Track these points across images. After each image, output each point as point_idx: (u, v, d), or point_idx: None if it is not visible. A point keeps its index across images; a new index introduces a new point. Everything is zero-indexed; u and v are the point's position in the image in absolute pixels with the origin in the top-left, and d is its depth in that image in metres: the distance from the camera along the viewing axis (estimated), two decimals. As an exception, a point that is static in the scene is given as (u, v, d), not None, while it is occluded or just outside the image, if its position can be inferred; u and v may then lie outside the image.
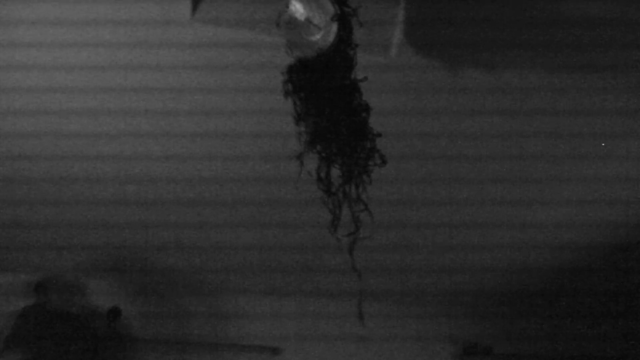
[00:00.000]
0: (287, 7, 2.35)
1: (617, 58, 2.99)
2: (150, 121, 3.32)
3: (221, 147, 3.51)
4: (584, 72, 3.08)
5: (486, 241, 4.40)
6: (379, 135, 2.48)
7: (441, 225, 4.23)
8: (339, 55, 2.40)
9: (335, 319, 4.74)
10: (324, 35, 2.36)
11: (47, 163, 3.65)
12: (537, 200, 4.03)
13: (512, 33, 2.84)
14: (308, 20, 2.35)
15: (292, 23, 2.36)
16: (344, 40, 2.40)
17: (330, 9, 2.37)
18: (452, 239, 4.37)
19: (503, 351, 5.12)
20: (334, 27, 2.37)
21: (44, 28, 2.79)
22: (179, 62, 2.95)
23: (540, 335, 5.25)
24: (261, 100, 3.05)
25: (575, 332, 5.23)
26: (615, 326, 5.26)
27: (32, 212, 4.13)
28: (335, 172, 2.50)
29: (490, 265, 4.73)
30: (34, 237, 4.37)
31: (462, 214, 4.14)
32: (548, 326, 5.28)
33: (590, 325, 5.24)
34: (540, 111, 3.30)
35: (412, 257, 4.54)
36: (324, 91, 2.39)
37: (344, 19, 2.39)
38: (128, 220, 4.18)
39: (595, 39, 2.88)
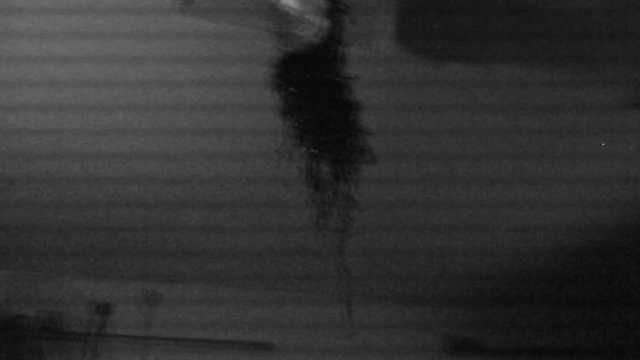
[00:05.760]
0: (279, 0, 2.33)
1: (617, 51, 2.95)
2: (142, 117, 3.31)
3: (214, 144, 3.50)
4: (582, 66, 3.04)
5: (483, 243, 4.38)
6: (369, 133, 2.46)
7: (438, 227, 4.20)
8: (330, 50, 2.38)
9: (333, 322, 4.72)
10: (315, 30, 2.34)
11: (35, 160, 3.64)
12: (535, 200, 3.99)
13: (508, 24, 2.80)
14: (300, 15, 2.33)
15: (284, 17, 2.34)
16: (335, 36, 2.38)
17: (323, 4, 2.35)
18: (451, 240, 4.34)
19: (495, 346, 5.12)
20: (326, 23, 2.35)
21: (36, 18, 2.78)
22: (168, 54, 2.94)
23: (537, 336, 5.25)
24: (255, 94, 3.02)
25: (573, 341, 5.22)
26: (614, 332, 5.24)
27: (30, 212, 4.12)
28: (327, 170, 2.48)
29: (488, 267, 4.71)
30: (32, 237, 4.37)
31: (459, 214, 4.10)
32: (546, 329, 5.28)
33: (588, 330, 5.23)
34: (536, 107, 3.26)
35: (408, 259, 4.53)
36: (314, 86, 2.37)
37: (336, 15, 2.37)
38: (126, 220, 4.17)
39: (594, 31, 2.84)
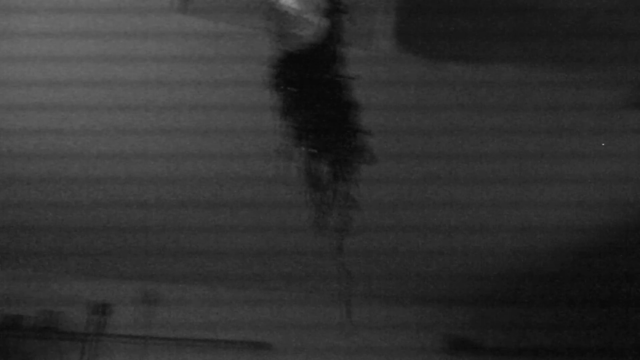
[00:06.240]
0: (279, 0, 2.33)
1: (617, 51, 2.94)
2: (142, 117, 3.31)
3: (214, 144, 3.49)
4: (582, 66, 3.03)
5: (483, 243, 4.37)
6: (369, 133, 2.45)
7: (438, 227, 4.19)
8: (330, 50, 2.38)
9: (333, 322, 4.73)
10: (314, 30, 2.34)
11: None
12: (535, 200, 3.98)
13: (508, 24, 2.79)
14: (299, 15, 2.33)
15: (284, 16, 2.34)
16: (335, 35, 2.38)
17: (322, 4, 2.35)
18: (451, 240, 4.34)
19: (495, 346, 5.12)
20: (325, 23, 2.34)
21: (36, 18, 2.77)
22: (168, 54, 2.94)
23: (537, 336, 5.25)
24: (254, 94, 3.03)
25: (573, 341, 5.22)
26: (614, 332, 5.24)
27: (30, 213, 4.12)
28: (326, 169, 2.48)
29: (488, 267, 4.70)
30: (32, 238, 4.37)
31: (459, 214, 4.09)
32: (546, 329, 5.28)
33: (588, 330, 5.23)
34: (536, 107, 3.25)
35: (408, 259, 4.52)
36: (314, 86, 2.37)
37: (335, 15, 2.37)
38: (126, 220, 4.17)
39: (594, 31, 2.84)
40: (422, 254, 4.46)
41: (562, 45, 2.92)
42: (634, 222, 4.18)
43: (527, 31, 2.82)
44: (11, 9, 2.72)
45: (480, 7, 2.72)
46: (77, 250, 4.47)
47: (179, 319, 4.74)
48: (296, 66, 2.35)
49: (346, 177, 2.44)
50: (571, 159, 3.64)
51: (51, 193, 3.88)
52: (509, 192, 3.88)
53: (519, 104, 3.22)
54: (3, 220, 4.16)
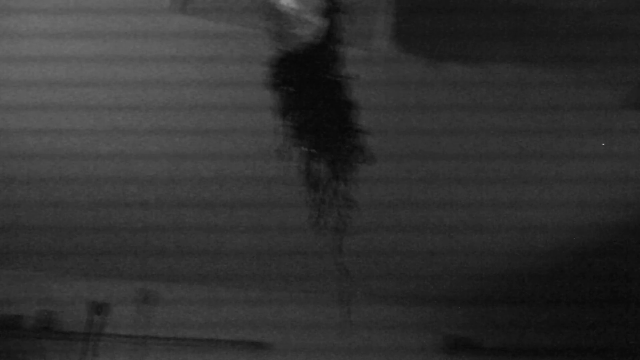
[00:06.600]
0: (279, 0, 2.33)
1: (617, 51, 2.94)
2: (142, 117, 3.31)
3: (214, 144, 3.49)
4: (582, 66, 3.03)
5: (483, 243, 4.37)
6: (369, 133, 2.45)
7: (438, 227, 4.19)
8: (329, 50, 2.38)
9: (333, 322, 4.73)
10: (314, 30, 2.34)
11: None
12: (535, 200, 3.98)
13: (508, 24, 2.79)
14: (299, 15, 2.33)
15: (283, 16, 2.34)
16: (335, 36, 2.38)
17: (322, 4, 2.35)
18: (451, 240, 4.33)
19: (495, 346, 5.12)
20: (325, 23, 2.35)
21: (36, 18, 2.77)
22: (168, 54, 2.94)
23: (537, 336, 5.25)
24: (254, 94, 3.03)
25: (573, 341, 5.22)
26: (614, 332, 5.24)
27: (30, 213, 4.12)
28: (326, 169, 2.48)
29: (488, 267, 4.70)
30: (32, 238, 4.37)
31: (459, 214, 4.09)
32: (546, 329, 5.28)
33: (588, 330, 5.22)
34: (536, 107, 3.26)
35: (408, 259, 4.52)
36: (313, 86, 2.37)
37: (335, 15, 2.38)
38: (126, 220, 4.17)
39: (594, 31, 2.84)
40: (422, 254, 4.46)
41: (562, 45, 2.92)
42: (634, 222, 4.18)
43: (527, 31, 2.82)
44: (11, 9, 2.72)
45: (480, 7, 2.72)
46: (77, 250, 4.47)
47: (179, 319, 4.74)
48: (296, 66, 2.35)
49: (346, 177, 2.44)
50: (571, 159, 3.64)
51: (51, 193, 3.88)
52: (509, 192, 3.88)
53: (519, 104, 3.22)
54: (3, 220, 4.16)
